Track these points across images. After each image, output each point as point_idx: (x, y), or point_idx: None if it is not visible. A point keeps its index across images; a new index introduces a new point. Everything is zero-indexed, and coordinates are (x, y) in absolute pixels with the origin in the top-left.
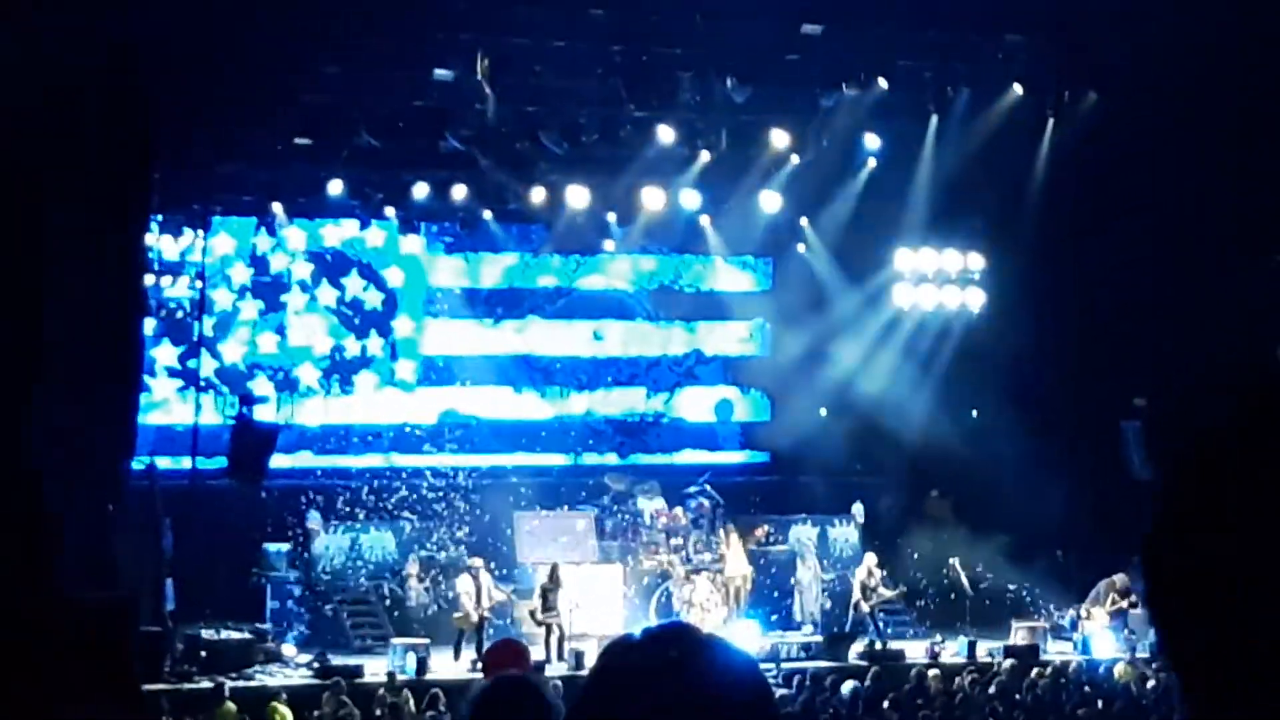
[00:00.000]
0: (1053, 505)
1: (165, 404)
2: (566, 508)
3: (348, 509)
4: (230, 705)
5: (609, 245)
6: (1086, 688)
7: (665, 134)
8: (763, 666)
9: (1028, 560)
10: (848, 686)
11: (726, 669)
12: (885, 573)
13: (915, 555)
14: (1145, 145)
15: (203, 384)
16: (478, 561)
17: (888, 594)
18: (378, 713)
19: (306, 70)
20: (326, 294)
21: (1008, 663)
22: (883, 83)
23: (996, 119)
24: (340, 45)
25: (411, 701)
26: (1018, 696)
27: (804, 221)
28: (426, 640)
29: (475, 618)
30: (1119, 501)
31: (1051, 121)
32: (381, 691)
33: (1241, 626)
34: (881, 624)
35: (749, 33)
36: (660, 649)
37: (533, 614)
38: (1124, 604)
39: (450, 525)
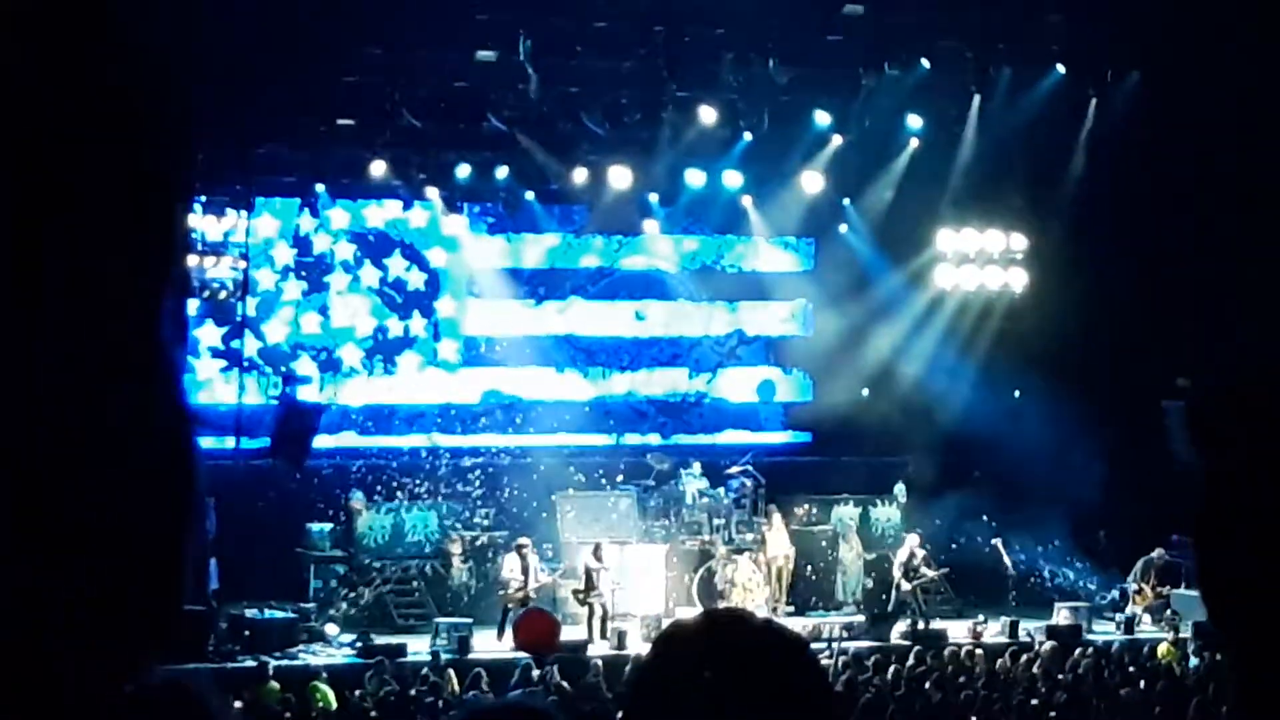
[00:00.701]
0: (1095, 485)
1: (209, 384)
2: (609, 488)
3: (391, 489)
4: (274, 684)
5: (651, 225)
6: (1130, 668)
7: (707, 114)
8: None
9: (1070, 540)
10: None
11: (777, 654)
12: (928, 552)
13: (957, 535)
14: (1188, 124)
15: (246, 364)
16: (526, 541)
17: (930, 574)
18: (412, 693)
19: (349, 51)
20: (369, 274)
21: (1049, 643)
22: (925, 63)
23: (1039, 99)
24: (383, 26)
25: (455, 681)
26: (1060, 676)
27: (846, 202)
28: (469, 620)
29: (521, 597)
30: (1161, 482)
31: (1094, 101)
32: (425, 670)
33: None
34: (924, 604)
35: (791, 13)
36: (715, 635)
37: (577, 593)
38: (1163, 590)
39: (493, 505)
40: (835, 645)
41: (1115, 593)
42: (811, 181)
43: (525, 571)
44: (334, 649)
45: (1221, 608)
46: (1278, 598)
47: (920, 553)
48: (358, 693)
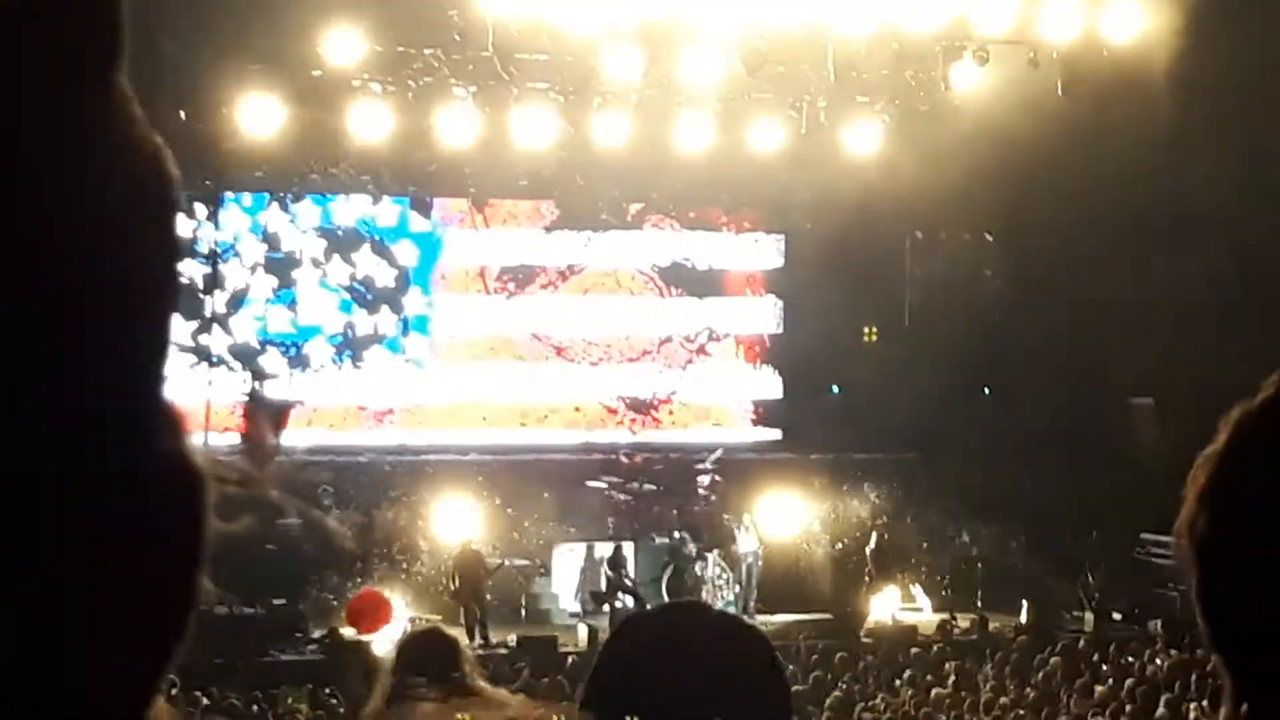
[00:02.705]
0: (1064, 483)
1: (177, 381)
2: (579, 485)
3: (360, 486)
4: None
5: (622, 220)
6: (1102, 665)
7: None
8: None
9: (1040, 538)
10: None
11: (735, 644)
12: (897, 549)
13: (927, 532)
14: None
15: (215, 360)
16: (470, 542)
17: (896, 571)
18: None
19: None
20: (338, 270)
21: (1020, 639)
22: None
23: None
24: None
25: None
26: (1030, 674)
27: (815, 198)
28: (439, 617)
29: (467, 596)
30: (1130, 479)
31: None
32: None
33: None
34: (891, 601)
35: None
36: (672, 623)
37: (596, 596)
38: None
39: (462, 502)
40: (800, 644)
41: (1084, 590)
42: (783, 177)
43: (474, 569)
44: (304, 647)
45: (1229, 632)
46: None
47: (888, 550)
48: (327, 689)
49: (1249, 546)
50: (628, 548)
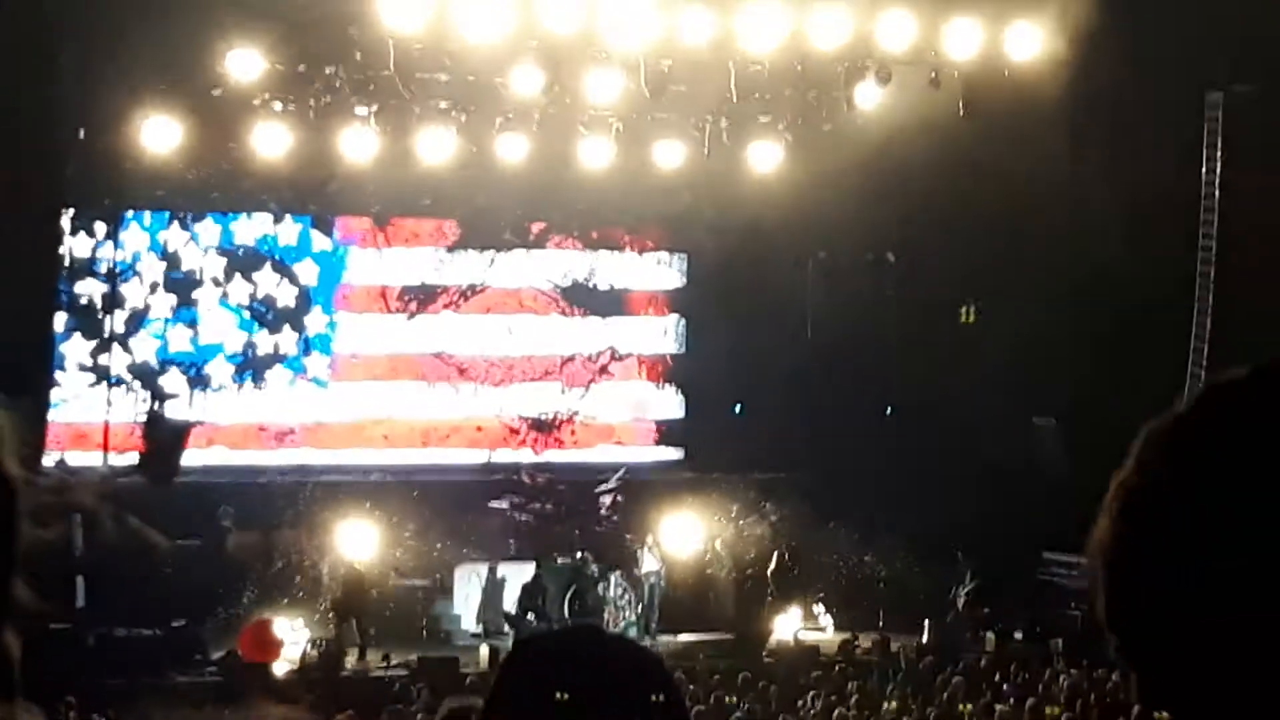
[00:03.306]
0: (967, 502)
1: (76, 400)
2: (481, 505)
3: (261, 506)
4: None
5: (524, 239)
6: (1003, 685)
7: None
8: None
9: (942, 558)
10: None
11: (632, 667)
12: (797, 570)
13: (827, 552)
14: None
15: (114, 380)
16: (353, 559)
17: (799, 591)
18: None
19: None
20: (239, 290)
21: (926, 659)
22: None
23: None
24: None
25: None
26: (932, 694)
27: (718, 218)
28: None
29: (350, 615)
30: (1032, 499)
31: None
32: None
33: (1220, 637)
34: (793, 621)
35: None
36: (568, 647)
37: (508, 617)
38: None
39: (364, 523)
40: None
41: (985, 610)
42: (685, 197)
43: (351, 587)
44: (203, 669)
45: (1136, 640)
46: (1204, 628)
47: (791, 569)
48: (227, 712)
49: (1157, 555)
50: (530, 568)
